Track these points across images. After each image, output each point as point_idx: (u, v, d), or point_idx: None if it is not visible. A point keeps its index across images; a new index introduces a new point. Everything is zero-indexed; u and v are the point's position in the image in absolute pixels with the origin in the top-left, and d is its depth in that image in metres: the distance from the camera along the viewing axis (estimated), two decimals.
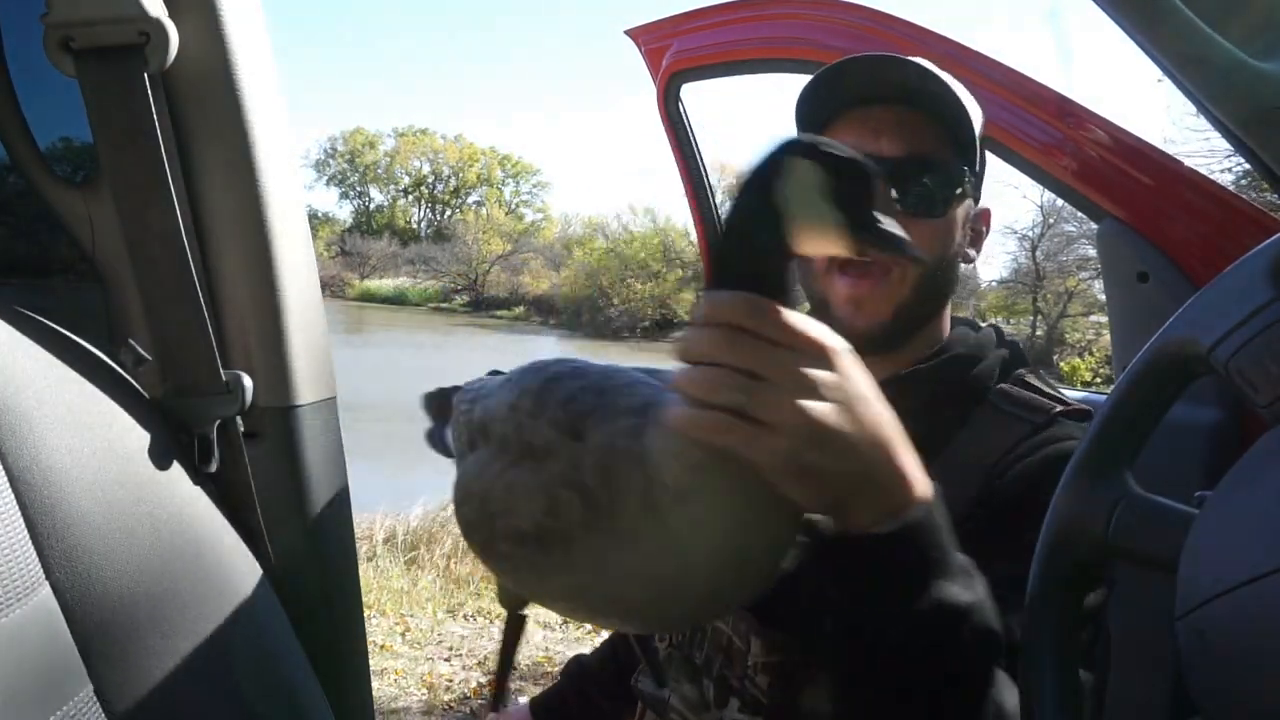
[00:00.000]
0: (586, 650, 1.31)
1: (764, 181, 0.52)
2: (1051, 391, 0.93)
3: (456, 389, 0.75)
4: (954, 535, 0.60)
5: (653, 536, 0.53)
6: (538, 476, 0.57)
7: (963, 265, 0.98)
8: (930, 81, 0.90)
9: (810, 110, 0.96)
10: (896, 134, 0.90)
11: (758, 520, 0.54)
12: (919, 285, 0.91)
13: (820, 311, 0.92)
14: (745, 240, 0.53)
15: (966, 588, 0.59)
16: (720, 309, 0.52)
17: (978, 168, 0.95)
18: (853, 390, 0.54)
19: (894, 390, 0.61)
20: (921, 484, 0.58)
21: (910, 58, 0.92)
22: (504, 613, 0.75)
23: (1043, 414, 0.87)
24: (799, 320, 0.53)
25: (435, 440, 0.80)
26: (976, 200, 0.98)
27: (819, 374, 0.52)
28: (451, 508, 0.66)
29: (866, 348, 0.67)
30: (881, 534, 0.56)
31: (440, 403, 0.80)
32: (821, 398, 0.52)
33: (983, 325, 1.02)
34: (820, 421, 0.51)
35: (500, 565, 0.62)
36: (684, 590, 0.56)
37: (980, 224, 1.00)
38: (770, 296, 0.52)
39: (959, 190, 0.92)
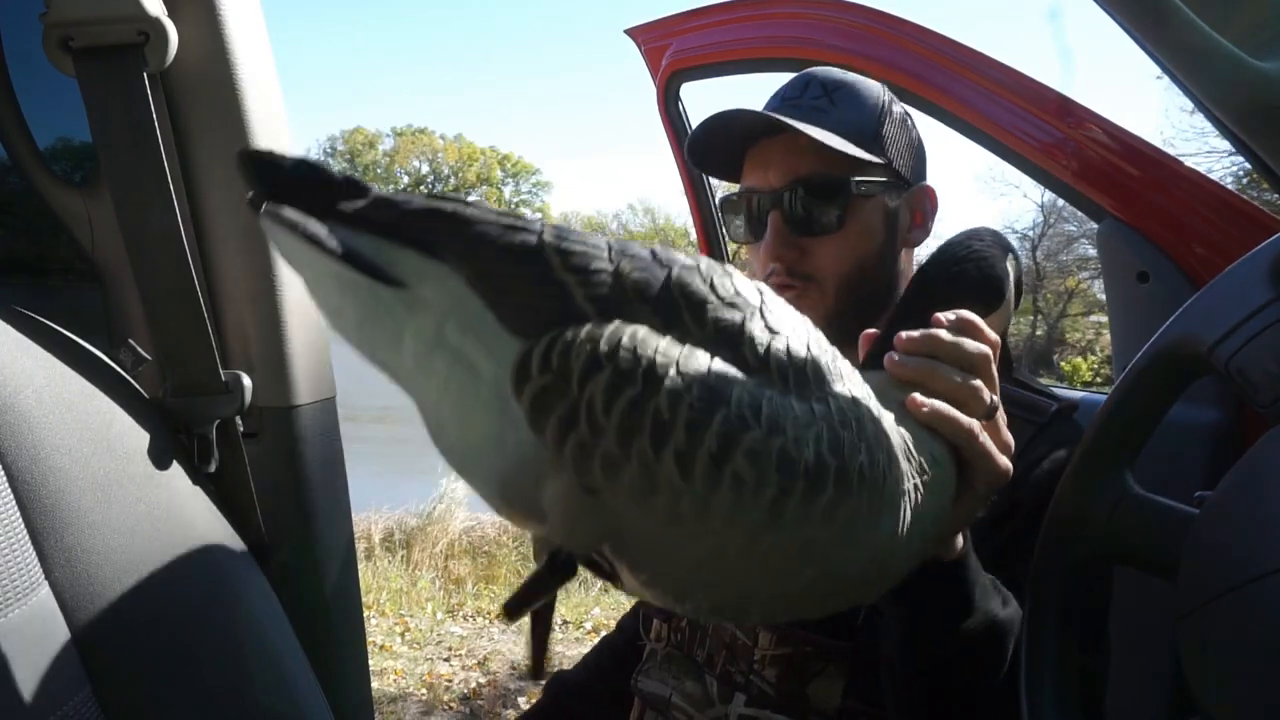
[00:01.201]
0: (585, 650, 1.30)
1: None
2: (1042, 388, 0.93)
3: (317, 167, 0.51)
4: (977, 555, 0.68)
5: (891, 510, 0.50)
6: (809, 409, 0.48)
7: (918, 249, 0.99)
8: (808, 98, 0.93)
9: (716, 160, 1.01)
10: (780, 164, 0.93)
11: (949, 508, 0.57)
12: (842, 293, 0.92)
13: None
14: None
15: (1004, 604, 0.69)
16: (963, 321, 0.61)
17: (891, 158, 0.94)
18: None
19: None
20: None
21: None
22: (524, 582, 0.52)
23: (1043, 414, 0.87)
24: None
25: (301, 230, 0.49)
26: (906, 185, 0.97)
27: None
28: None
29: None
30: (960, 557, 0.64)
31: (309, 180, 0.51)
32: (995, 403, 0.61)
33: None
34: (1003, 422, 0.61)
35: (698, 489, 0.45)
36: (888, 568, 0.53)
37: (926, 204, 0.99)
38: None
39: (862, 194, 0.92)
